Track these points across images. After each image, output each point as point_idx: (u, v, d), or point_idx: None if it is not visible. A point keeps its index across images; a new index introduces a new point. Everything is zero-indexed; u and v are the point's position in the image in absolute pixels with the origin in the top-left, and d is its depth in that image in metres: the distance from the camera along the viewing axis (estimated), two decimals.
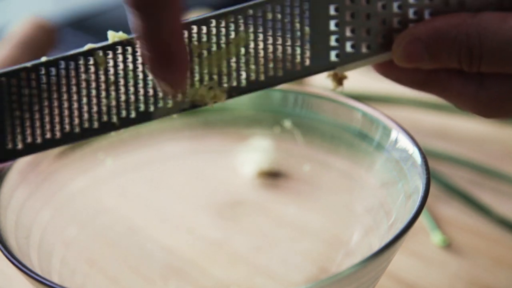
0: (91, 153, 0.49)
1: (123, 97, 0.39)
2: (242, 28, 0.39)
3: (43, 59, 0.38)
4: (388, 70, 0.43)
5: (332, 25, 0.41)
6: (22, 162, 0.45)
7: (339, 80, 0.42)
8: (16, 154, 0.38)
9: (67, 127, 0.39)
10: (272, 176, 0.54)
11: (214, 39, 0.39)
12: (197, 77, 0.39)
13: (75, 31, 1.03)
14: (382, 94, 0.69)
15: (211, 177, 0.52)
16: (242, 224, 0.51)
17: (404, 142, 0.43)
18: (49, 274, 0.42)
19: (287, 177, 0.53)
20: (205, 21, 0.39)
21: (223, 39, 0.39)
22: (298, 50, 0.41)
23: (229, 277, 0.49)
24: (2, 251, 0.39)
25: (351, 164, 0.48)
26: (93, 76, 0.38)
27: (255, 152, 0.53)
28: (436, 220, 0.55)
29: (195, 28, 0.39)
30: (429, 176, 0.40)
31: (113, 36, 0.38)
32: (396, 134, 0.44)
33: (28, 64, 0.38)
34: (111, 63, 0.38)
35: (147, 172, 0.51)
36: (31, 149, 0.38)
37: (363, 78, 0.73)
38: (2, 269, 0.52)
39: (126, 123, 0.39)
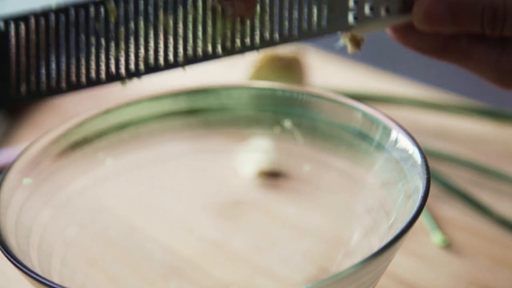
0: (91, 153, 0.49)
1: (132, 49, 0.39)
2: None
3: (54, 4, 0.37)
4: (407, 37, 0.42)
5: None
6: (22, 162, 0.45)
7: (357, 42, 0.42)
8: (19, 100, 0.38)
9: (74, 76, 0.38)
10: (272, 176, 0.54)
11: None
12: (210, 32, 0.39)
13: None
14: (382, 94, 0.69)
15: (211, 177, 0.52)
16: (242, 224, 0.51)
17: (404, 142, 0.43)
18: (49, 274, 0.42)
19: (287, 177, 0.53)
20: None
21: None
22: (315, 9, 0.40)
23: (229, 277, 0.49)
24: (2, 251, 0.39)
25: (351, 164, 0.48)
26: (103, 25, 0.38)
27: (255, 152, 0.53)
28: (436, 220, 0.55)
29: None
30: (429, 176, 0.40)
31: None
32: (396, 134, 0.44)
33: (38, 9, 0.37)
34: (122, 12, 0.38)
35: (147, 172, 0.51)
36: (34, 95, 0.38)
37: (363, 78, 0.73)
38: (2, 269, 0.51)
39: (133, 75, 0.39)
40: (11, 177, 0.44)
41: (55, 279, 0.42)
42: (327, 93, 0.49)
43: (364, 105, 0.47)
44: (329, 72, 0.75)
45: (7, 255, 0.39)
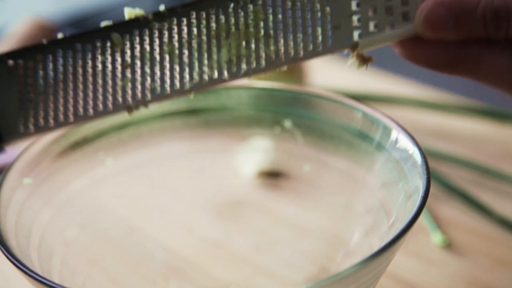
0: (91, 153, 0.49)
1: (139, 78, 0.38)
2: (260, 7, 0.39)
3: (59, 35, 0.37)
4: (414, 53, 0.41)
5: (353, 5, 0.41)
6: (22, 162, 0.45)
7: (364, 60, 0.42)
8: (27, 136, 0.37)
9: (81, 109, 0.38)
10: (272, 176, 0.54)
11: (232, 20, 0.39)
12: (215, 58, 0.39)
13: (75, 31, 1.03)
14: (382, 94, 0.69)
15: (211, 177, 0.52)
16: (242, 224, 0.51)
17: (404, 142, 0.43)
18: (49, 274, 0.42)
19: (287, 177, 0.53)
20: (222, 2, 0.39)
21: (242, 20, 0.39)
22: (319, 30, 0.40)
23: (229, 277, 0.49)
24: (2, 251, 0.39)
25: (351, 164, 0.48)
26: (109, 57, 0.38)
27: (255, 152, 0.53)
28: (436, 220, 0.55)
29: (213, 10, 0.39)
30: (429, 176, 0.40)
31: (129, 13, 0.38)
32: (396, 134, 0.44)
33: (44, 41, 0.37)
34: (128, 43, 0.38)
35: (147, 172, 0.51)
36: (42, 131, 0.38)
37: (363, 78, 0.73)
38: (2, 269, 0.51)
39: (140, 103, 0.39)
40: (11, 177, 0.44)
41: (55, 279, 0.42)
42: (327, 93, 0.49)
43: (364, 105, 0.47)
44: (329, 72, 0.75)
45: (7, 255, 0.39)
